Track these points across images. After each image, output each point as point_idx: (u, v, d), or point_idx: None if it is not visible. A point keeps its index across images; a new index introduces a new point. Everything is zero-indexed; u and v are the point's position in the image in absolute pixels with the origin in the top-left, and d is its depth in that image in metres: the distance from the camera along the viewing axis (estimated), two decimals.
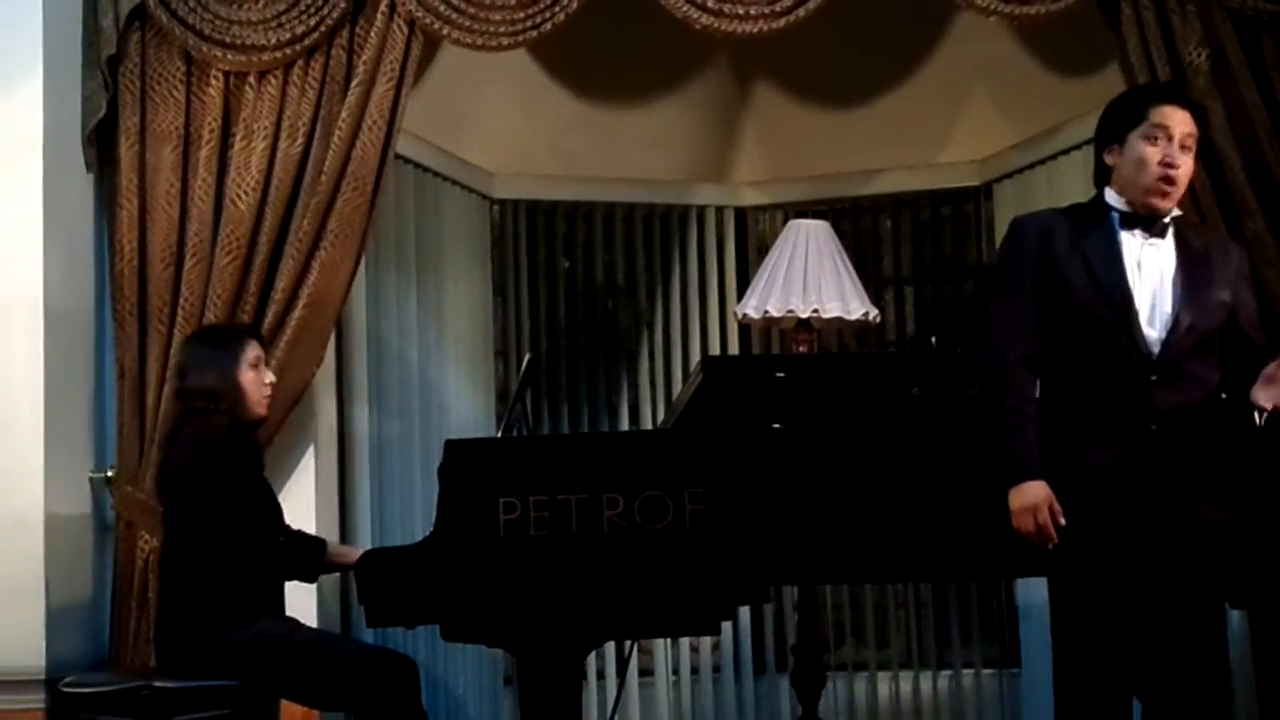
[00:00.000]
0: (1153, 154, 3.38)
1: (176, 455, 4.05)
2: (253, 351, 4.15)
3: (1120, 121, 3.45)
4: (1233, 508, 3.38)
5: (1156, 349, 3.33)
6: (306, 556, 4.24)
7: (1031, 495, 3.32)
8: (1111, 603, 3.28)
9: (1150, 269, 3.39)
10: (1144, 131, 3.40)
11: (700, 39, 4.71)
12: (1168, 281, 3.38)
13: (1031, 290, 3.40)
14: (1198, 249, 3.44)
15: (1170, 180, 3.38)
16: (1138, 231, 3.41)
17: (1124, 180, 3.43)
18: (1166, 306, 3.36)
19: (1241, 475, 3.49)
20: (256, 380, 4.12)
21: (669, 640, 5.74)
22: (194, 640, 3.90)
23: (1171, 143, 3.38)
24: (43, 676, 4.25)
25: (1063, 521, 3.30)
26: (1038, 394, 3.42)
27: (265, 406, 4.16)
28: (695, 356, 5.95)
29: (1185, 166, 3.40)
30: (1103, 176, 3.49)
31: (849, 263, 5.33)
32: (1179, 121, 3.40)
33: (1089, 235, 3.41)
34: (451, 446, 3.67)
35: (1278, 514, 3.60)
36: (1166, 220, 3.43)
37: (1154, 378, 3.31)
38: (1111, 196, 3.46)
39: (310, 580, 4.35)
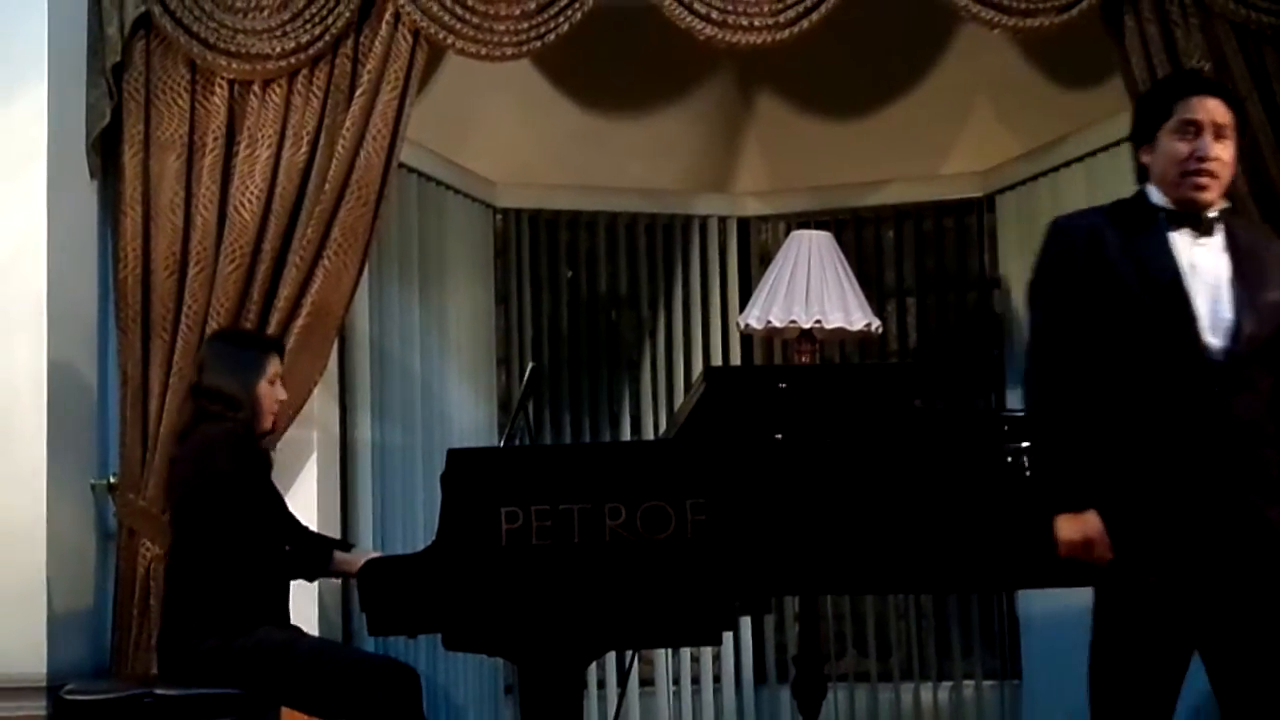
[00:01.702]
0: (1183, 149, 3.25)
1: (181, 460, 4.08)
2: (274, 366, 4.18)
3: (1149, 119, 3.33)
4: None
5: (1220, 358, 3.17)
6: (312, 559, 4.25)
7: (1082, 529, 3.16)
8: (1170, 618, 3.14)
9: (1205, 272, 3.23)
10: (1173, 126, 3.27)
11: (704, 50, 4.73)
12: (1225, 286, 3.22)
13: (1082, 297, 3.23)
14: (1245, 247, 3.28)
15: (1204, 173, 3.24)
16: (1186, 230, 3.26)
17: (1161, 178, 3.30)
18: (1227, 313, 3.20)
19: None
20: (271, 395, 4.16)
21: (670, 650, 5.73)
22: (196, 648, 3.90)
23: (1202, 135, 3.25)
24: (44, 684, 4.25)
25: (1111, 556, 3.15)
26: (1093, 405, 3.23)
27: (271, 422, 4.20)
28: (697, 367, 5.94)
29: (1223, 156, 3.26)
30: (1142, 174, 3.35)
31: (851, 273, 5.33)
32: (1208, 111, 3.26)
33: (1139, 237, 3.26)
34: (454, 455, 3.67)
35: None
36: (1214, 215, 3.28)
37: (1218, 388, 3.16)
38: (1155, 194, 3.31)
39: (310, 580, 4.36)
